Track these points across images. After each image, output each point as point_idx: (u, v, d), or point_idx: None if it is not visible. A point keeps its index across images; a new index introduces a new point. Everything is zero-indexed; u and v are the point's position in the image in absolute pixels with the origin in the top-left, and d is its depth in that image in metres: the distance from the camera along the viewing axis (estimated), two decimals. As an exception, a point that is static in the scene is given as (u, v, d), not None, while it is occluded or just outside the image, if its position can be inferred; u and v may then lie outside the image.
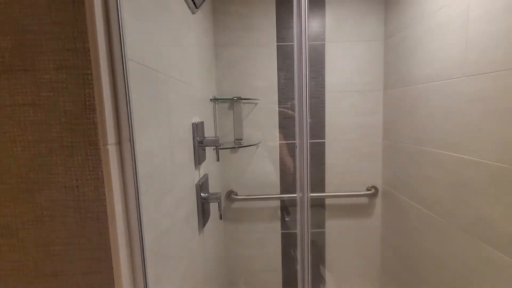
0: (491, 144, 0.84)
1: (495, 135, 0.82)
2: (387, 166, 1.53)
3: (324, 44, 1.50)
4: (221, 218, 1.24)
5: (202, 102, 1.18)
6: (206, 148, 1.08)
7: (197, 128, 0.97)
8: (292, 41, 1.49)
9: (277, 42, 1.50)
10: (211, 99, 1.38)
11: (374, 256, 1.64)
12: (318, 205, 1.63)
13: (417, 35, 1.20)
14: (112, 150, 0.42)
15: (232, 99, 1.50)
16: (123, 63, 0.43)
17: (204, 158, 1.04)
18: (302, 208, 0.79)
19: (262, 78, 1.52)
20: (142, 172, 0.48)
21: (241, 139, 1.57)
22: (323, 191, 1.60)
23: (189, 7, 0.92)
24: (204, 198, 1.00)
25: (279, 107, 1.55)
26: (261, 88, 1.53)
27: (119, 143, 0.44)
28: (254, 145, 1.57)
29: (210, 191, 1.09)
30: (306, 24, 0.66)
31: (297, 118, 0.82)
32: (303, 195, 0.78)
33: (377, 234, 1.62)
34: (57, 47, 0.39)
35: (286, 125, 1.56)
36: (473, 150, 0.91)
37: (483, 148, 0.87)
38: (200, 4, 0.95)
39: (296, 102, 0.74)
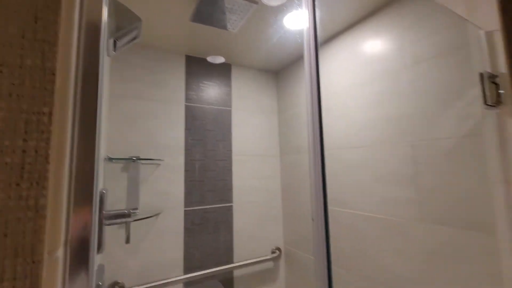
0: (377, 200, 1.07)
1: (380, 193, 1.06)
2: (287, 226, 1.63)
3: (230, 110, 1.58)
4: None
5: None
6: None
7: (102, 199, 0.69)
8: (201, 104, 1.49)
9: (185, 102, 1.44)
10: (105, 159, 1.07)
11: (281, 325, 1.58)
12: (226, 279, 1.46)
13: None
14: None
15: (130, 159, 1.24)
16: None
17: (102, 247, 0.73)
18: None
19: (166, 137, 1.37)
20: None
21: (137, 209, 1.26)
22: (232, 261, 1.47)
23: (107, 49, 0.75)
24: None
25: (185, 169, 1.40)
26: (164, 147, 1.36)
27: None
28: (153, 216, 1.29)
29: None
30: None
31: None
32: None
33: (282, 299, 1.60)
34: None
35: (192, 190, 1.41)
36: (363, 206, 1.12)
37: (372, 203, 1.09)
38: (121, 47, 0.80)
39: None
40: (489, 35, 0.76)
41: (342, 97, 1.26)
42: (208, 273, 1.35)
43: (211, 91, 1.53)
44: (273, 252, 1.58)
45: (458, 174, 0.83)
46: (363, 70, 1.16)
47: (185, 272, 1.33)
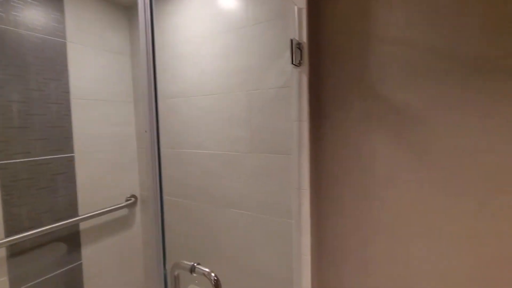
0: (222, 140, 1.27)
1: (225, 134, 1.26)
2: (144, 173, 1.63)
3: (65, 43, 1.29)
4: None
5: None
6: None
7: None
8: (15, 27, 1.12)
9: (-14, 19, 1.04)
10: None
11: (138, 267, 1.66)
12: (70, 235, 1.33)
13: (164, 59, 1.46)
14: None
15: None
16: None
17: None
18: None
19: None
20: None
21: None
22: (77, 215, 1.34)
23: None
24: None
25: (-6, 112, 1.07)
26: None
27: None
28: None
29: None
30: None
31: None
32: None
33: (139, 242, 1.66)
34: None
35: (10, 139, 1.12)
36: (212, 146, 1.31)
37: (218, 143, 1.29)
38: None
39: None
40: (299, 10, 1.01)
41: (196, 46, 1.32)
42: (39, 232, 1.18)
43: (31, 12, 1.18)
44: (127, 200, 1.56)
45: (276, 115, 1.12)
46: (215, 22, 1.25)
47: (8, 236, 1.11)
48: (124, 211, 1.57)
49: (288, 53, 1.06)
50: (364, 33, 0.97)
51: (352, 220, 1.03)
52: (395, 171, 0.94)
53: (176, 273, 0.56)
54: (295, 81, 1.04)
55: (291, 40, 0.98)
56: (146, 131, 0.57)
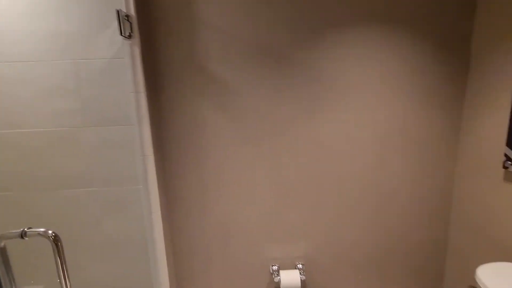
0: (46, 116, 1.12)
1: (48, 109, 1.11)
2: None
3: None
4: None
5: None
6: None
7: None
8: None
9: None
10: None
11: None
12: None
13: None
14: None
15: None
16: None
17: None
18: None
19: None
20: None
21: None
22: None
23: None
24: None
25: None
26: None
27: None
28: None
29: None
30: None
31: None
32: None
33: None
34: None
35: None
36: (31, 123, 1.12)
37: (40, 120, 1.12)
38: None
39: None
40: (124, -19, 1.01)
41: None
42: None
43: None
44: None
45: (110, 86, 1.11)
46: (11, -30, 1.02)
47: None
48: None
49: (115, 23, 1.06)
50: (190, 18, 1.13)
51: (194, 173, 1.25)
52: (219, 130, 1.21)
53: (2, 244, 0.52)
54: (126, 53, 1.06)
55: (118, 11, 0.99)
56: None
